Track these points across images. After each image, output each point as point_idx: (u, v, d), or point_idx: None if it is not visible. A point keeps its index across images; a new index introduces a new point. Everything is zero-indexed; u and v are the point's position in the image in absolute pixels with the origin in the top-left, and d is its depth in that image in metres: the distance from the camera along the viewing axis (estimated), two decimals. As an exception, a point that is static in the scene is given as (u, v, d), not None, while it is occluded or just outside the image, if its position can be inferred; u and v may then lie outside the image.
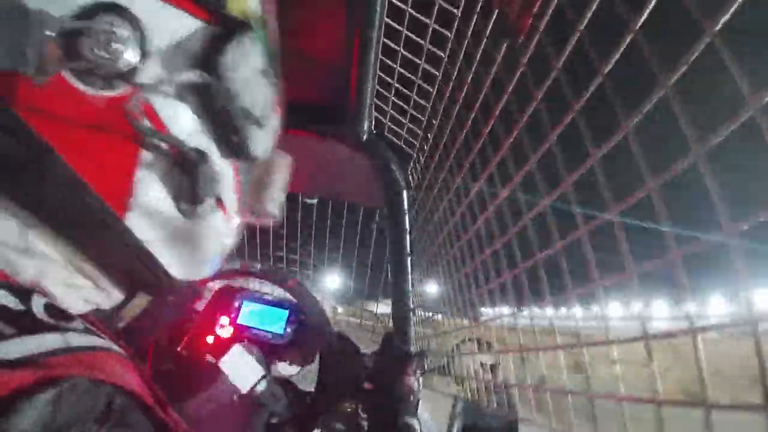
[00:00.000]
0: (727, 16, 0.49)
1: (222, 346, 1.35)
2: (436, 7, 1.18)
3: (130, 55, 0.43)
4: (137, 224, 0.47)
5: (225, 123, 0.50)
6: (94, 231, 0.44)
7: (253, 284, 1.97)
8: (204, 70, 0.46)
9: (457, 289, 1.36)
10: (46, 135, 0.40)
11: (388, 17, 1.29)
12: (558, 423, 0.75)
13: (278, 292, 1.68)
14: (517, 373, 0.99)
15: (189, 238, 0.53)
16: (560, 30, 0.78)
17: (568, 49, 0.74)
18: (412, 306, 1.87)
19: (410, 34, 1.32)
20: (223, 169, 0.54)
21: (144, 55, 0.44)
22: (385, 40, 1.36)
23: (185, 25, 0.47)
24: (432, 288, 1.77)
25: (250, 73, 0.50)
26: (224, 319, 1.46)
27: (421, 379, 1.51)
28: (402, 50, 1.38)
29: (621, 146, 0.65)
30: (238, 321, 1.48)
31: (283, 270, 1.71)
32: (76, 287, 0.48)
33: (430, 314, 1.76)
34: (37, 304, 0.41)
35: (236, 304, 1.52)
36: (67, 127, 0.42)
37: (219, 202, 0.54)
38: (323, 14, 1.33)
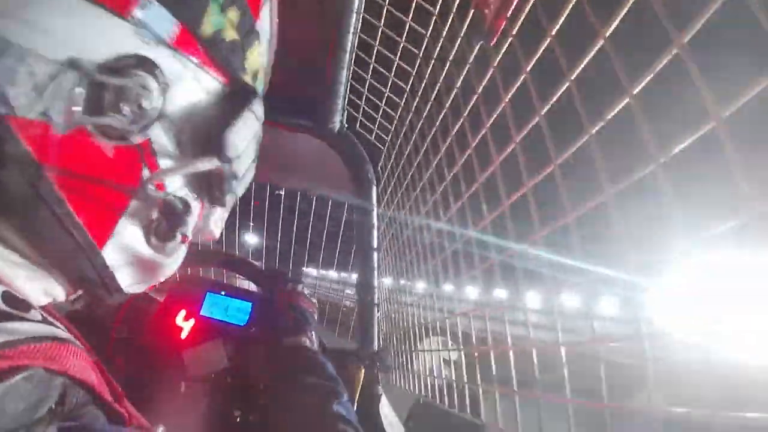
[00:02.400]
0: (694, 31, 0.50)
1: (185, 339, 1.33)
2: (414, 4, 1.19)
3: (152, 114, 0.45)
4: (110, 254, 0.48)
5: (214, 183, 0.53)
6: (67, 252, 0.45)
7: (218, 275, 1.94)
8: (214, 152, 0.48)
9: (422, 284, 1.38)
10: (49, 169, 0.41)
11: (365, 12, 1.29)
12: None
13: (244, 284, 1.66)
14: (481, 371, 1.00)
15: (151, 267, 0.55)
16: (533, 34, 0.79)
17: (538, 53, 0.75)
18: (377, 301, 1.88)
19: (387, 30, 1.32)
20: (195, 208, 0.56)
21: (163, 114, 0.46)
22: (362, 34, 1.35)
23: (205, 88, 0.50)
24: (398, 283, 1.78)
25: (248, 140, 0.53)
26: (186, 311, 1.43)
27: (380, 375, 1.53)
28: (378, 46, 1.38)
29: (583, 151, 0.67)
30: (201, 312, 1.46)
31: (249, 261, 1.69)
32: (36, 278, 0.47)
33: (395, 309, 1.77)
34: None
35: (199, 295, 1.50)
36: (70, 163, 0.43)
37: (185, 237, 0.55)
38: (300, 5, 1.32)
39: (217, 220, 0.68)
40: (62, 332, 0.45)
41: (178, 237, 0.53)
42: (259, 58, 0.57)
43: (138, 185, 0.47)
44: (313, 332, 1.12)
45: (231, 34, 0.51)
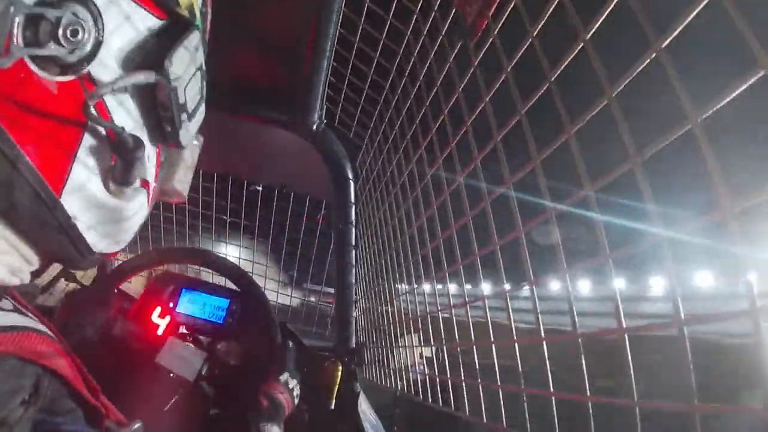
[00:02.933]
0: (674, 34, 0.52)
1: (160, 337, 1.31)
2: (395, 1, 1.19)
3: (89, 46, 0.44)
4: (68, 201, 0.47)
5: (161, 114, 0.53)
6: (25, 203, 0.44)
7: (194, 272, 1.92)
8: (154, 69, 0.49)
9: (400, 280, 1.38)
10: None
11: (345, 8, 1.28)
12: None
13: (220, 281, 1.65)
14: (461, 367, 1.02)
15: (113, 216, 0.54)
16: (515, 33, 0.80)
17: (520, 53, 0.77)
18: (355, 298, 1.88)
19: (367, 27, 1.32)
20: (150, 152, 0.56)
21: (100, 45, 0.45)
22: (342, 30, 1.35)
23: (137, 19, 0.49)
24: (377, 280, 1.78)
25: (191, 70, 0.54)
26: (162, 308, 1.42)
27: (357, 371, 1.53)
28: (358, 42, 1.38)
29: (562, 151, 0.68)
30: (177, 309, 1.45)
31: (226, 258, 1.67)
32: (10, 260, 0.46)
33: (374, 306, 1.78)
34: None
35: (175, 292, 1.48)
36: (14, 106, 0.42)
37: (144, 183, 0.55)
38: (280, 0, 1.31)
39: (181, 178, 0.69)
40: (34, 322, 0.44)
41: (137, 181, 0.53)
42: None
43: (85, 120, 0.46)
44: (282, 424, 1.15)
45: None
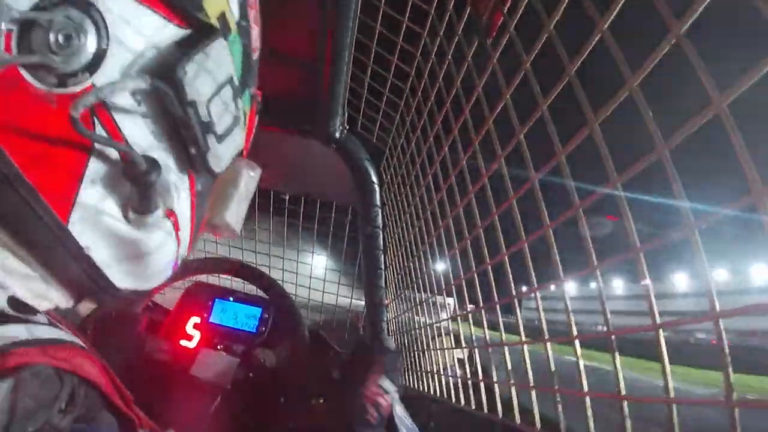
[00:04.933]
0: (693, 18, 0.50)
1: (193, 348, 1.34)
2: (410, 4, 1.19)
3: (88, 54, 0.40)
4: (79, 230, 0.44)
5: (183, 135, 0.47)
6: (36, 231, 0.42)
7: (226, 282, 1.95)
8: (162, 78, 0.43)
9: (429, 284, 1.37)
10: None
11: (361, 14, 1.29)
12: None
13: (252, 290, 1.67)
14: (496, 369, 1.00)
15: (135, 248, 0.50)
16: (531, 29, 0.79)
17: (537, 48, 0.76)
18: (385, 302, 1.88)
19: (384, 31, 1.32)
20: (178, 179, 0.51)
21: (103, 54, 0.41)
22: (359, 36, 1.35)
23: (152, 27, 0.44)
24: (407, 282, 1.78)
25: (214, 84, 0.48)
26: (196, 318, 1.44)
27: (395, 378, 1.52)
28: (375, 47, 1.38)
29: (587, 144, 0.67)
30: (211, 320, 1.47)
31: (256, 268, 1.69)
32: (33, 286, 0.46)
33: (403, 309, 1.77)
34: (1, 299, 0.40)
35: (208, 303, 1.50)
36: (12, 122, 0.39)
37: (170, 213, 0.51)
38: (297, 9, 1.32)
39: (234, 212, 0.63)
40: (68, 335, 0.44)
41: (159, 210, 0.48)
42: (223, 2, 0.50)
43: (90, 143, 0.41)
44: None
45: None
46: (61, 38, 0.39)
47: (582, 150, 0.70)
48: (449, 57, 1.08)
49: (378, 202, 1.88)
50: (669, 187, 0.53)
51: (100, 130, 0.42)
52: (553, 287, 0.78)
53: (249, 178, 0.64)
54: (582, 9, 0.64)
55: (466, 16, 0.96)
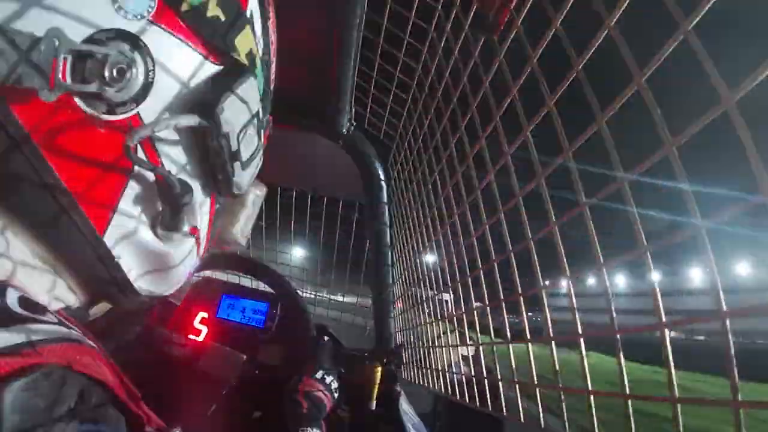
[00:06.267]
0: (702, 12, 0.49)
1: (201, 343, 1.35)
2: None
3: (137, 86, 0.45)
4: (113, 241, 0.48)
5: (213, 162, 0.53)
6: (70, 238, 0.46)
7: (233, 277, 1.96)
8: (203, 113, 0.48)
9: (435, 280, 1.37)
10: (42, 146, 0.42)
11: (368, 9, 1.28)
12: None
13: (259, 285, 1.68)
14: (501, 366, 1.00)
15: (161, 261, 0.55)
16: (538, 25, 0.79)
17: (544, 44, 0.75)
18: (392, 299, 1.88)
19: (391, 27, 1.31)
20: (203, 199, 0.57)
21: (150, 86, 0.46)
22: (365, 32, 1.35)
23: (192, 63, 0.49)
24: (414, 279, 1.78)
25: (245, 118, 0.53)
26: (204, 313, 1.45)
27: (399, 373, 1.53)
28: (382, 43, 1.38)
29: (595, 139, 0.66)
30: (218, 315, 1.48)
31: (263, 263, 1.70)
32: (49, 285, 0.48)
33: (410, 306, 1.77)
34: (12, 298, 0.41)
35: (216, 298, 1.52)
36: (62, 140, 0.43)
37: (194, 230, 0.56)
38: (303, 6, 1.32)
39: (242, 228, 0.70)
40: (78, 334, 0.45)
41: (186, 227, 0.53)
42: (251, 41, 0.56)
43: (131, 165, 0.46)
44: (322, 423, 1.15)
45: (215, 11, 0.51)
46: (115, 72, 0.43)
47: (588, 147, 0.70)
48: (456, 53, 1.08)
49: (385, 199, 1.88)
50: (676, 180, 0.52)
51: (140, 154, 0.47)
52: (564, 282, 0.77)
53: (256, 197, 0.72)
54: (589, 6, 0.64)
55: (473, 11, 0.96)
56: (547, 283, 0.81)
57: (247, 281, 2.06)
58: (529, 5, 0.79)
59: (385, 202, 1.89)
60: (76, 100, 0.43)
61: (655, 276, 0.56)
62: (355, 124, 1.78)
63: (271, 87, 0.65)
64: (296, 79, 1.62)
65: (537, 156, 0.79)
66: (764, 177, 0.41)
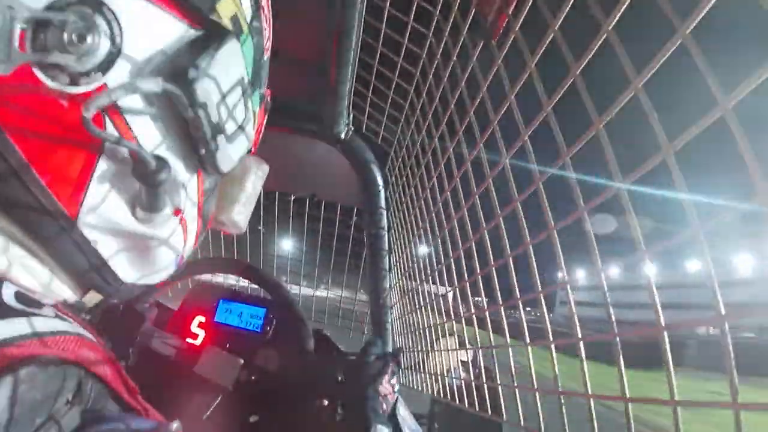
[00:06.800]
0: (699, 17, 0.50)
1: (198, 347, 1.34)
2: (415, 4, 1.19)
3: (101, 53, 0.41)
4: (87, 225, 0.45)
5: (193, 135, 0.48)
6: (44, 225, 0.43)
7: (230, 281, 1.95)
8: (171, 78, 0.43)
9: (433, 284, 1.37)
10: (3, 124, 0.39)
11: (366, 14, 1.29)
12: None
13: (256, 290, 1.67)
14: (499, 371, 1.00)
15: (142, 244, 0.51)
16: (536, 30, 0.79)
17: (542, 49, 0.75)
18: (390, 303, 1.88)
19: (389, 31, 1.32)
20: (187, 177, 0.53)
21: (116, 54, 0.42)
22: (364, 36, 1.36)
23: (165, 28, 0.45)
24: (412, 284, 1.78)
25: (225, 85, 0.48)
26: (201, 317, 1.45)
27: (396, 377, 1.52)
28: (380, 47, 1.38)
29: (593, 144, 0.67)
30: (216, 319, 1.48)
31: (260, 267, 1.70)
32: (42, 279, 0.47)
33: (409, 310, 1.77)
34: (8, 292, 0.41)
35: (213, 302, 1.51)
36: (24, 119, 0.40)
37: (178, 211, 0.52)
38: (302, 10, 1.32)
39: (241, 209, 0.65)
40: (75, 327, 0.45)
41: (168, 208, 0.50)
42: (235, 4, 0.51)
43: (101, 142, 0.42)
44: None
45: None
46: (74, 37, 0.39)
47: (584, 151, 0.70)
48: (454, 58, 1.08)
49: (383, 204, 1.88)
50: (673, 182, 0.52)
51: (111, 130, 0.43)
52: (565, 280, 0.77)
53: (256, 177, 0.66)
54: (586, 11, 0.64)
55: (471, 16, 0.96)
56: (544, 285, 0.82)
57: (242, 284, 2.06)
58: (526, 10, 0.79)
59: (383, 207, 1.89)
60: (37, 72, 0.39)
61: (652, 278, 0.56)
62: (353, 128, 1.78)
63: (266, 57, 0.59)
64: (295, 83, 1.63)
65: (534, 161, 0.79)
66: (763, 185, 0.41)
